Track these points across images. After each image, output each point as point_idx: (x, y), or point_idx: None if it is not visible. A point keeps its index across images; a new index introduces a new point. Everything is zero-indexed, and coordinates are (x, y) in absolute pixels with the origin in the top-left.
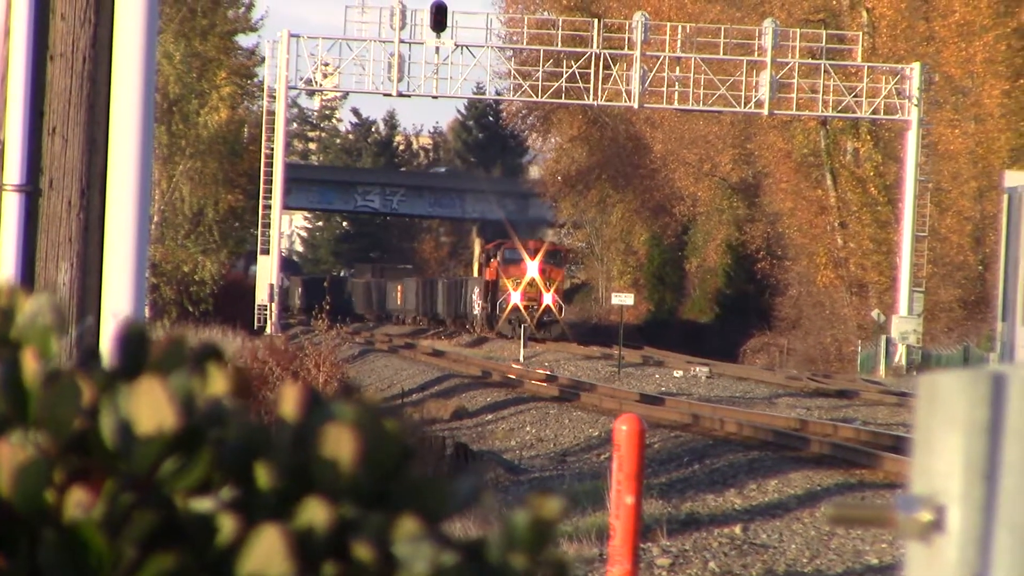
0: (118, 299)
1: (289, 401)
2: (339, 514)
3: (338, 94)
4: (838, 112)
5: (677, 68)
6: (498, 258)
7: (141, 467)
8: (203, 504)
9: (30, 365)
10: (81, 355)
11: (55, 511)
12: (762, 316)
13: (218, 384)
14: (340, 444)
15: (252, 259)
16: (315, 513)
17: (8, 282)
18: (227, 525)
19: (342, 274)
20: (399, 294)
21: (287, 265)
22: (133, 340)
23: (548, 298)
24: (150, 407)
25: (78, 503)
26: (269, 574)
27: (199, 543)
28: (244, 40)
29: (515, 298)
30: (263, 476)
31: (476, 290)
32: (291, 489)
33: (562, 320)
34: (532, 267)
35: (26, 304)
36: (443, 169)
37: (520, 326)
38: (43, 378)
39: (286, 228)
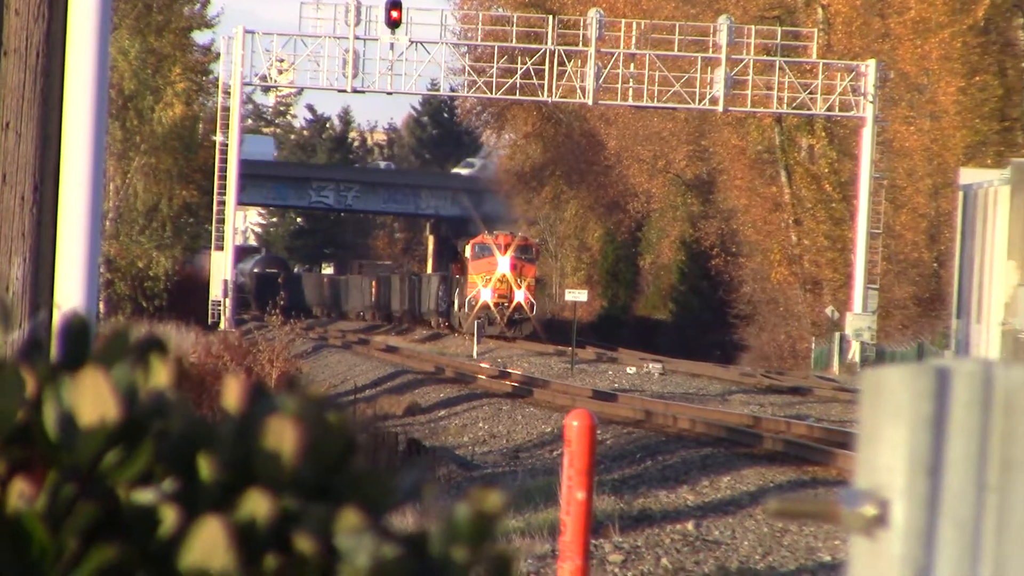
0: (71, 294)
1: (232, 393)
2: (281, 506)
3: (293, 90)
4: (793, 109)
5: (632, 65)
6: (467, 253)
7: (83, 459)
8: (145, 496)
9: None
10: (24, 347)
11: None
12: (716, 313)
13: (161, 376)
14: (283, 436)
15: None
16: (257, 505)
17: None
18: (169, 517)
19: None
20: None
21: (273, 260)
22: (76, 333)
23: (520, 295)
24: (93, 399)
25: (20, 494)
26: (211, 566)
27: (141, 535)
28: (199, 36)
29: (485, 295)
30: (205, 468)
31: (439, 286)
32: (233, 481)
33: (534, 318)
34: (503, 262)
35: None
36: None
37: (489, 324)
38: None
39: (241, 224)
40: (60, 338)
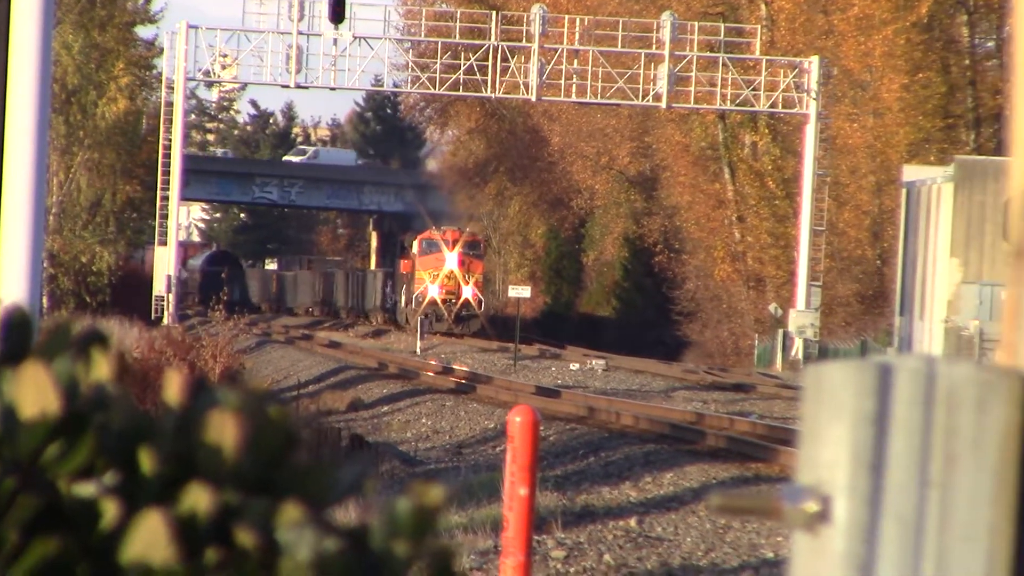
0: (14, 288)
1: (173, 387)
2: (222, 500)
3: (236, 85)
4: (736, 106)
5: (575, 61)
6: (414, 248)
7: (24, 452)
8: (86, 489)
9: None
10: None
11: None
12: (659, 310)
13: (102, 370)
14: (224, 430)
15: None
16: (198, 499)
17: None
18: (110, 510)
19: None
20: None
21: (221, 255)
22: (17, 326)
23: (468, 291)
24: (34, 392)
25: None
26: (152, 559)
27: (82, 528)
28: (143, 31)
29: (433, 291)
30: (146, 461)
31: (384, 282)
32: (174, 475)
33: (482, 315)
34: (451, 258)
35: None
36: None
37: (437, 321)
38: None
39: (184, 219)
40: (1, 332)
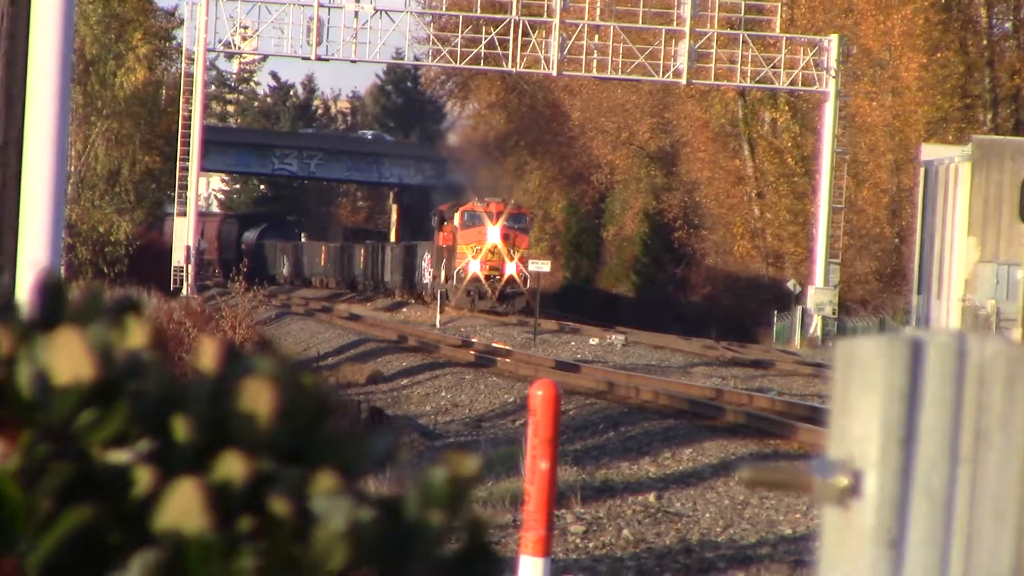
0: (34, 257)
1: (207, 354)
2: (256, 468)
3: (256, 57)
4: (756, 83)
5: (596, 36)
6: (455, 221)
7: (57, 418)
8: (119, 456)
9: None
10: None
11: None
12: (678, 285)
13: (136, 336)
14: (258, 398)
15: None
16: (232, 467)
17: None
18: (143, 478)
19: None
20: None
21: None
22: (51, 291)
23: (511, 267)
24: (67, 358)
25: None
26: (185, 527)
27: (115, 495)
28: (163, 1)
29: (475, 267)
30: (180, 429)
31: (404, 255)
32: (208, 442)
33: (527, 292)
34: (494, 232)
35: None
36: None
37: (480, 298)
38: None
39: (203, 190)
40: (35, 296)
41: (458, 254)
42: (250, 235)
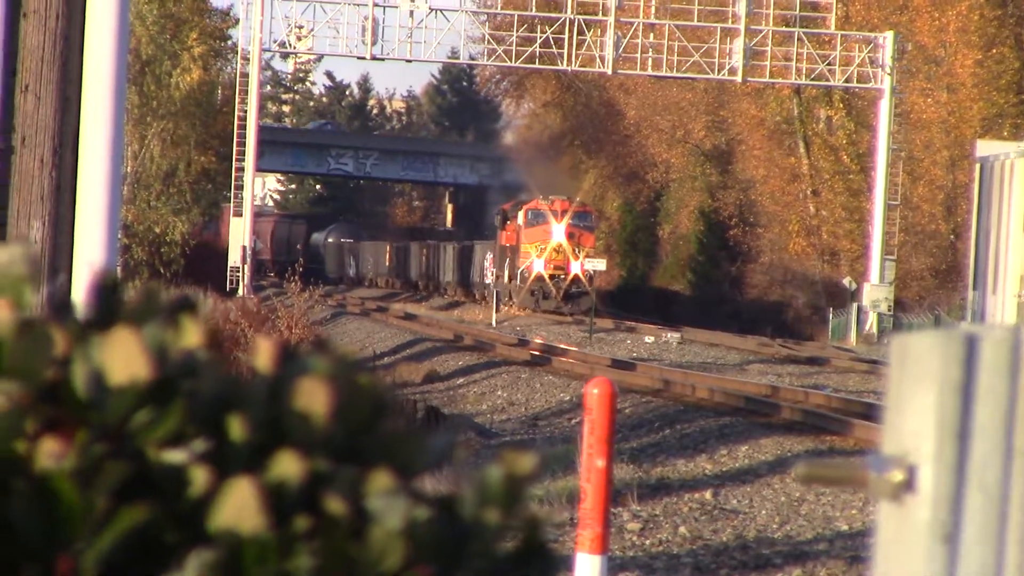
0: (91, 258)
1: (263, 354)
2: (312, 467)
3: (312, 57)
4: (811, 80)
5: (651, 34)
6: (519, 219)
7: (113, 418)
8: (175, 456)
9: (2, 314)
10: (54, 305)
11: (26, 461)
12: (733, 283)
13: (192, 336)
14: (314, 397)
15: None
16: (288, 466)
17: None
18: (199, 477)
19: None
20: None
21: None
22: (107, 291)
23: (576, 266)
24: (123, 358)
25: (50, 453)
26: (241, 526)
27: (171, 495)
28: (218, 1)
29: (539, 266)
30: (236, 428)
31: (459, 255)
32: (264, 442)
33: (593, 292)
34: (558, 230)
35: None
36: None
37: (544, 298)
38: (16, 328)
39: (259, 190)
40: (91, 296)
41: (522, 253)
42: (317, 236)
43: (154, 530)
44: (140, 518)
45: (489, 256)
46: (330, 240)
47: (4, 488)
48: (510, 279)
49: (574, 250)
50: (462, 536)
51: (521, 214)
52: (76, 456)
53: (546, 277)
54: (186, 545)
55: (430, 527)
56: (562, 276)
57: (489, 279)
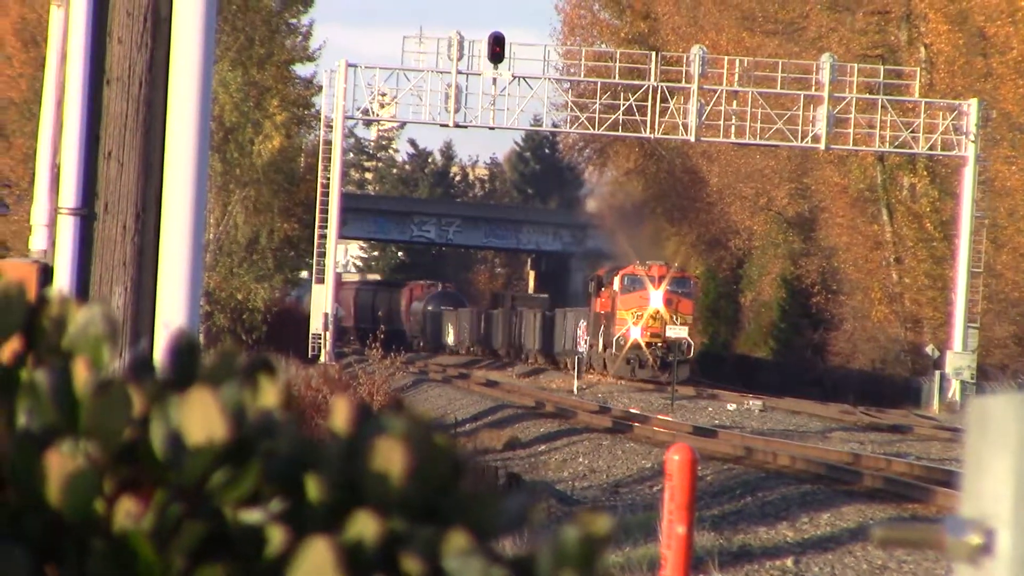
0: (173, 323)
1: (340, 414)
2: (389, 527)
3: (395, 124)
4: (895, 147)
5: (734, 102)
6: (615, 285)
7: (191, 478)
8: (252, 516)
9: (81, 374)
10: (132, 366)
11: (104, 521)
12: (816, 350)
13: (269, 396)
14: (391, 457)
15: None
16: (365, 526)
17: (61, 292)
18: (276, 537)
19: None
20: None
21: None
22: (185, 351)
23: (673, 331)
24: (201, 418)
25: (128, 513)
26: None
27: (248, 554)
28: (301, 70)
29: (635, 333)
30: (313, 488)
31: (542, 322)
32: (341, 502)
33: (692, 360)
34: (656, 297)
35: (79, 314)
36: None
37: (640, 367)
38: (94, 387)
39: (342, 257)
40: (168, 357)
41: (617, 320)
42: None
43: None
44: None
45: (583, 324)
46: (429, 308)
47: (83, 548)
48: (604, 347)
49: (672, 317)
50: None
51: (617, 280)
52: (154, 516)
53: (643, 344)
54: None
55: None
56: (659, 344)
57: (582, 347)
